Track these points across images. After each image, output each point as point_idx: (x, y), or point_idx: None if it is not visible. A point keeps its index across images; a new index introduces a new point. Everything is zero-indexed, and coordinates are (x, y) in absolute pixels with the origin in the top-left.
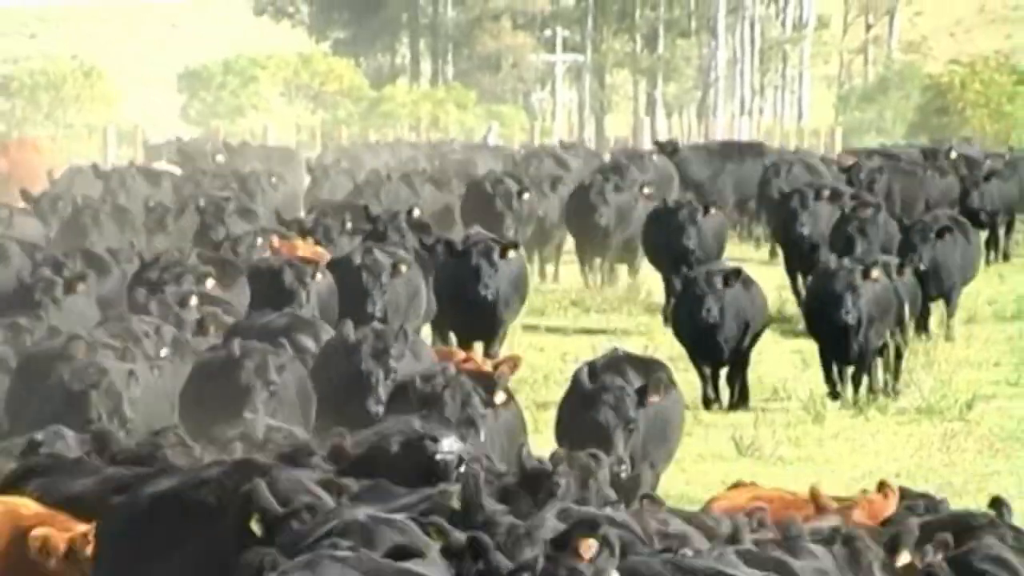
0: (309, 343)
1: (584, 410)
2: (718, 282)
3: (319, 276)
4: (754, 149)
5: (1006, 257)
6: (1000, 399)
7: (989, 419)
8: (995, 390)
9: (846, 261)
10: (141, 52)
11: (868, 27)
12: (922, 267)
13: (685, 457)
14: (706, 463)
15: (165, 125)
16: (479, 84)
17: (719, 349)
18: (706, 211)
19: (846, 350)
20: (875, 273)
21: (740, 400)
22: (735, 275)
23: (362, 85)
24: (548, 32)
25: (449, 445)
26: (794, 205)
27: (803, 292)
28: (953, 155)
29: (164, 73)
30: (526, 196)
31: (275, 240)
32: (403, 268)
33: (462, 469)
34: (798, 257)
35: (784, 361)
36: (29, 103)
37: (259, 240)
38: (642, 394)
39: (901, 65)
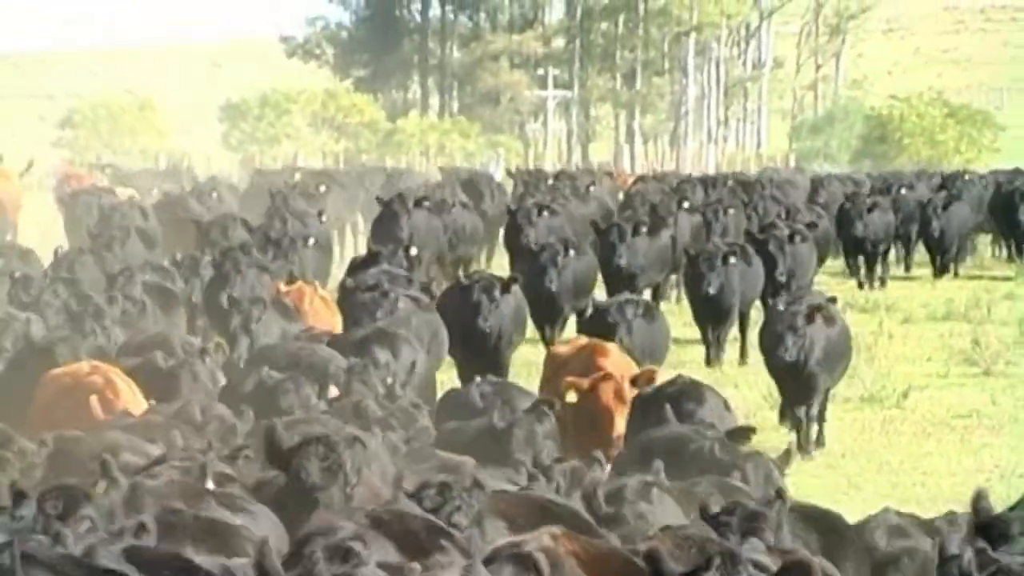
0: (384, 356)
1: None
2: (630, 312)
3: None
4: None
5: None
6: (932, 389)
7: (922, 407)
8: (928, 382)
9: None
10: (188, 88)
11: (818, 67)
12: (711, 291)
13: None
14: None
15: (209, 152)
16: (480, 116)
17: None
18: (566, 252)
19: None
20: (820, 316)
21: None
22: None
23: (379, 117)
24: (540, 71)
25: None
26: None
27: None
28: (729, 182)
29: (208, 106)
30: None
31: (281, 285)
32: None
33: None
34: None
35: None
36: (91, 133)
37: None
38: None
39: (846, 100)
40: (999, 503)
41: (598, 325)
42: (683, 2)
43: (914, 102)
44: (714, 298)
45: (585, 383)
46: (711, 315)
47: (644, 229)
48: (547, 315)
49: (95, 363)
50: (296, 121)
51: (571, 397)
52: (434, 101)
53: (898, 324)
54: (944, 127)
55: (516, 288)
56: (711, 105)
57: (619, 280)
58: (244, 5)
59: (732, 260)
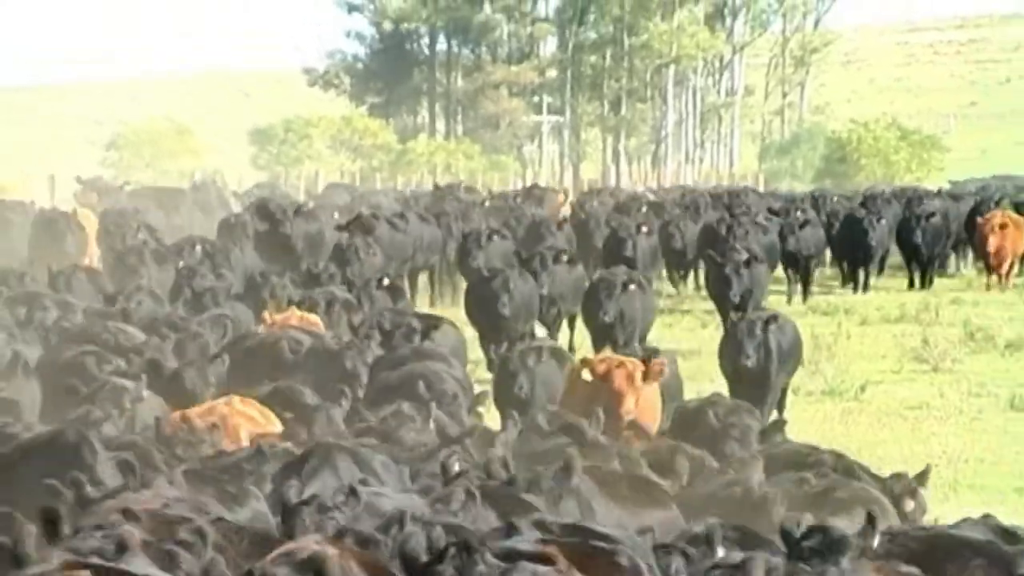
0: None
1: (715, 444)
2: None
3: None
4: (182, 193)
5: (868, 286)
6: (886, 384)
7: (878, 400)
8: (882, 377)
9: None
10: (221, 114)
11: (784, 95)
12: (607, 320)
13: None
14: None
15: (239, 171)
16: (482, 139)
17: None
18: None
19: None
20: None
21: None
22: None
23: (391, 140)
24: (536, 98)
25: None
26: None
27: None
28: (644, 208)
29: (239, 131)
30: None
31: (267, 315)
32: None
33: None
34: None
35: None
36: (134, 155)
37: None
38: (764, 433)
39: (810, 124)
40: (945, 486)
41: (501, 375)
42: (663, 37)
43: (871, 126)
44: (610, 325)
45: (600, 367)
46: (608, 341)
47: (565, 258)
48: (498, 339)
49: (234, 397)
50: (317, 144)
51: (586, 375)
52: (441, 125)
53: (856, 325)
54: (897, 149)
55: (446, 329)
56: (688, 129)
57: (540, 308)
58: (270, 40)
59: (631, 287)
